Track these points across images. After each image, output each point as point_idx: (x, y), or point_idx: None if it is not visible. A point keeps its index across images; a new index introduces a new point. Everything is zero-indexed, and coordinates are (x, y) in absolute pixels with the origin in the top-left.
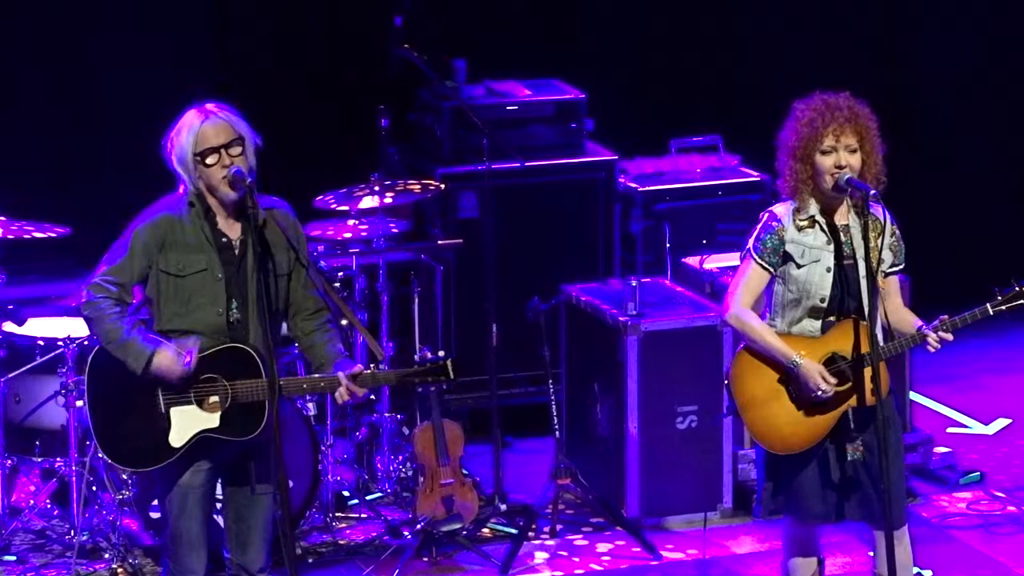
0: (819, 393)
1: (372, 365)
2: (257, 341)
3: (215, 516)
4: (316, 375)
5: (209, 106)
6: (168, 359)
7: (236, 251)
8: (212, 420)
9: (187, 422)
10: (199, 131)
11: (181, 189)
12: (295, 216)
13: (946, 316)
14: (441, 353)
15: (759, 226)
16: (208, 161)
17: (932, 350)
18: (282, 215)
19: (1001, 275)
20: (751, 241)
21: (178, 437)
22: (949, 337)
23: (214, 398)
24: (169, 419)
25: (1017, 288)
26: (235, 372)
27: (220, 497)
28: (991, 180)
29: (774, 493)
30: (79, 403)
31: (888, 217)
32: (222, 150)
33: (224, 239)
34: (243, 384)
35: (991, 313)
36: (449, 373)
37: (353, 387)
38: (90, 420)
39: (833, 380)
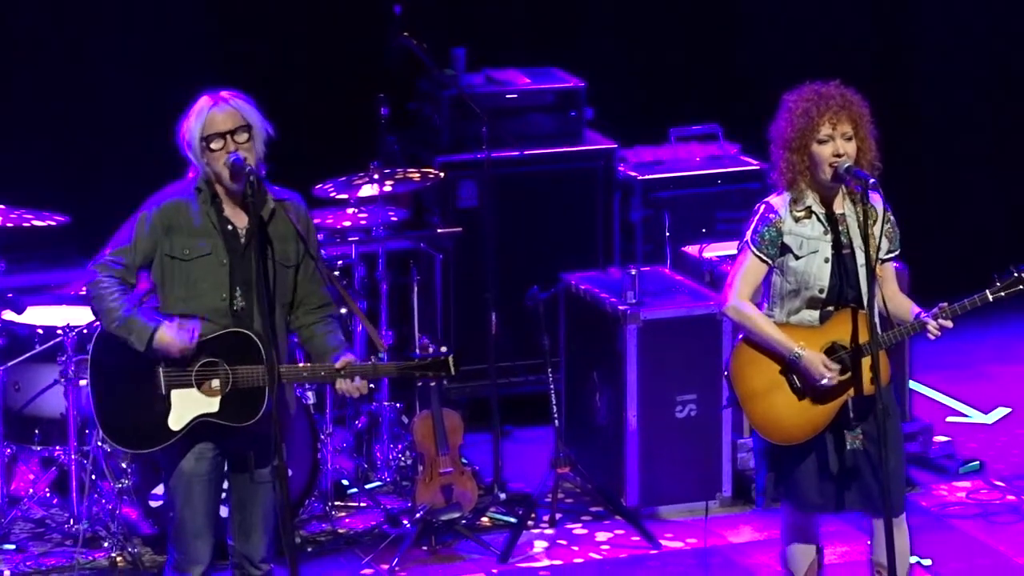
0: (824, 382)
1: (372, 357)
2: (260, 329)
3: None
4: (317, 364)
5: (223, 93)
6: (170, 332)
7: (242, 239)
8: (212, 404)
9: (187, 405)
10: (208, 116)
11: (191, 175)
12: (307, 209)
13: (945, 303)
14: (443, 348)
15: (756, 218)
16: (213, 146)
17: (932, 338)
18: (293, 207)
19: (1000, 262)
20: (748, 233)
21: (177, 420)
22: (949, 324)
23: (215, 382)
24: (169, 401)
25: (1016, 274)
26: (237, 357)
27: (225, 486)
28: (990, 167)
29: (776, 483)
30: (82, 382)
31: (885, 205)
32: (228, 136)
33: (230, 227)
34: (244, 369)
35: (990, 299)
36: (450, 369)
37: (351, 387)
38: (92, 400)
39: (836, 367)
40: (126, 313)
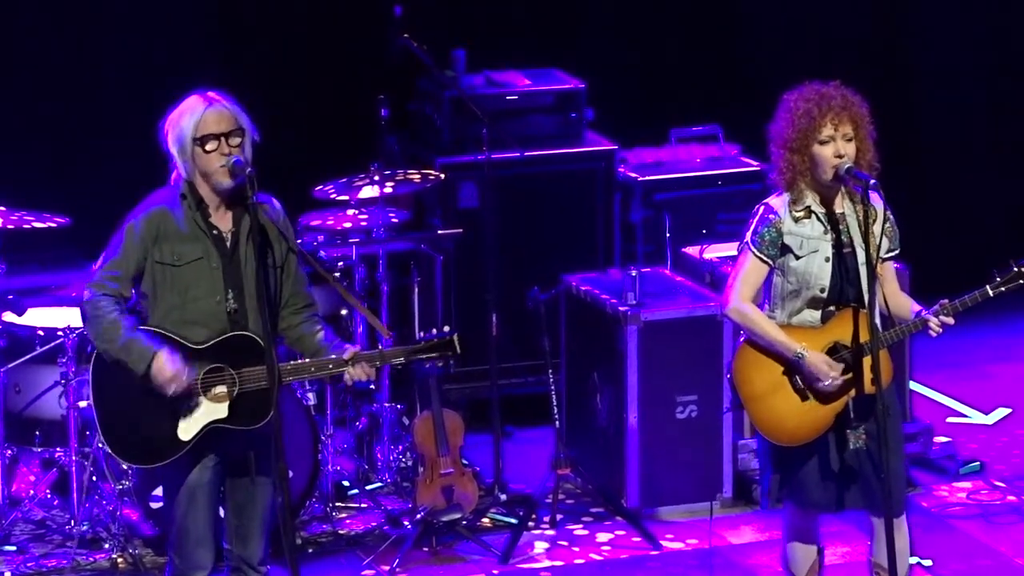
0: (827, 383)
1: (379, 345)
2: (257, 330)
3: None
4: (323, 358)
5: (212, 94)
6: (169, 364)
7: (228, 243)
8: (220, 411)
9: (196, 414)
10: (202, 116)
11: (173, 177)
12: (284, 212)
13: (946, 300)
14: (447, 328)
15: (755, 219)
16: (207, 147)
17: (934, 335)
18: (272, 210)
19: (1000, 260)
20: (748, 234)
21: (187, 430)
22: (950, 321)
23: (221, 388)
24: (177, 412)
25: (1015, 269)
26: (240, 360)
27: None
28: (990, 167)
29: (781, 484)
30: (82, 404)
31: (885, 205)
32: (222, 138)
33: (215, 231)
34: (250, 372)
35: (991, 294)
36: (456, 348)
37: (361, 371)
38: (96, 416)
39: (839, 368)
40: (127, 334)
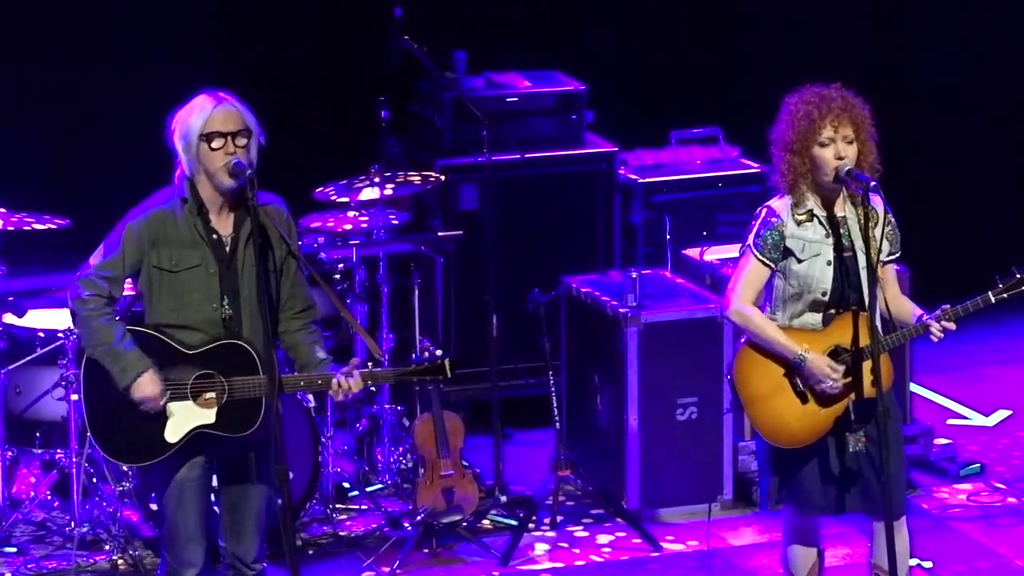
0: (828, 384)
1: (370, 363)
2: (252, 336)
3: (213, 507)
4: (314, 374)
5: (222, 93)
6: (153, 387)
7: (227, 248)
8: (208, 416)
9: (183, 418)
10: (210, 114)
11: (176, 175)
12: (289, 213)
13: (948, 306)
14: (439, 352)
15: (757, 222)
16: (214, 145)
17: (935, 340)
18: (276, 211)
19: (1001, 263)
20: (750, 237)
21: (174, 433)
22: (952, 326)
23: (210, 394)
24: (165, 414)
25: (1017, 275)
26: (232, 368)
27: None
28: (990, 167)
29: (780, 486)
30: (74, 396)
31: (886, 207)
32: (229, 137)
33: (215, 236)
34: (240, 380)
35: (992, 301)
36: (447, 373)
37: (351, 384)
38: (85, 414)
39: (840, 369)
40: (117, 343)
